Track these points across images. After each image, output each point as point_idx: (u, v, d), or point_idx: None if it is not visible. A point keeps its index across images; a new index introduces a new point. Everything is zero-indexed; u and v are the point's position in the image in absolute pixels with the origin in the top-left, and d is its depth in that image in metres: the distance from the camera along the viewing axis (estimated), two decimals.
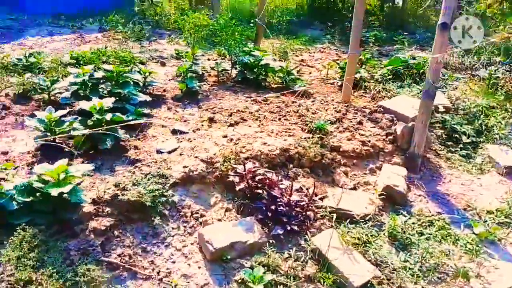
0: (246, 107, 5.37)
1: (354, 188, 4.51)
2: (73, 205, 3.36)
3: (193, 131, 4.72)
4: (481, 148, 5.45)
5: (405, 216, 4.15)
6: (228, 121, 4.90)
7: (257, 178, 3.90)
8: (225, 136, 4.54)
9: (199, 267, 3.40)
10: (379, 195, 4.37)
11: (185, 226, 3.67)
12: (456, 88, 6.63)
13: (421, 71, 6.67)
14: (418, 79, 6.63)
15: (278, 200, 3.81)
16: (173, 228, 3.62)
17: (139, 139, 4.49)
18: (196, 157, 4.13)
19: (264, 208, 3.77)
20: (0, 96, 5.06)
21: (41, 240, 3.05)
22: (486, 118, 5.82)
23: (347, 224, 3.92)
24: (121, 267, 3.24)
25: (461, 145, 5.45)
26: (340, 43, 9.88)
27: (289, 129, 4.90)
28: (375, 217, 4.06)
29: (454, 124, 5.60)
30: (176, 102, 5.49)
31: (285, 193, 3.87)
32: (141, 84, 5.41)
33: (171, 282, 3.20)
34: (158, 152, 4.27)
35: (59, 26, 9.27)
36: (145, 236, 3.51)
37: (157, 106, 5.29)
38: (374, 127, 5.30)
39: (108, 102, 4.17)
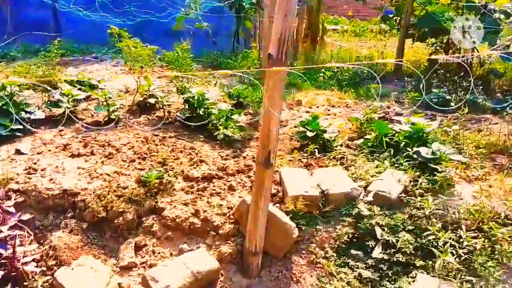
0: (129, 142, 4.65)
1: (127, 268, 3.23)
2: None
3: (32, 154, 4.33)
4: (410, 277, 3.18)
5: None
6: (74, 152, 4.31)
7: None
8: (29, 165, 3.98)
9: None
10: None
11: None
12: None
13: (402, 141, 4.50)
14: (400, 152, 4.46)
15: None
16: None
17: None
18: None
19: None
20: None
21: None
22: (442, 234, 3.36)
23: None
24: None
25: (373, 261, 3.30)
26: (410, 102, 7.68)
27: (118, 173, 3.96)
28: None
29: (380, 225, 3.47)
30: (82, 128, 5.19)
31: None
32: (64, 104, 5.36)
33: None
34: None
35: None
36: None
37: (55, 126, 5.09)
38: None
39: None
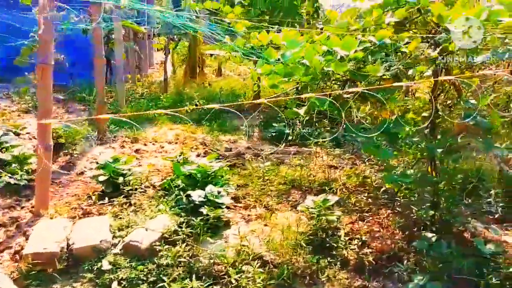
0: None
1: None
2: None
3: None
4: None
5: None
6: None
7: None
8: None
9: None
10: None
11: None
12: None
13: None
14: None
15: None
16: None
17: None
18: None
19: None
20: None
21: None
22: None
23: None
24: None
25: None
26: (258, 137, 7.81)
27: None
28: None
29: (120, 278, 3.31)
30: None
31: None
32: None
33: None
34: None
35: None
36: None
37: None
38: None
39: None
